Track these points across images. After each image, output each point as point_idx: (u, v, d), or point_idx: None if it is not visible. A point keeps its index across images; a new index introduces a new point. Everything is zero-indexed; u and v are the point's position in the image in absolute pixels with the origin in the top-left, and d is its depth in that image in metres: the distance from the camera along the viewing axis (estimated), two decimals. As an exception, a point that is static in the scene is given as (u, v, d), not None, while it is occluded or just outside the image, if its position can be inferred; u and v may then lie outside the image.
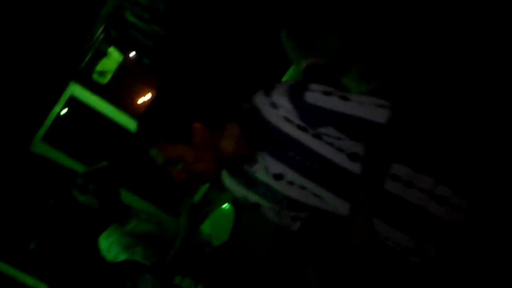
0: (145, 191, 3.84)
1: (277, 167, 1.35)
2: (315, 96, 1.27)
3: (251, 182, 1.41)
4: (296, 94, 1.28)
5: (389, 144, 1.27)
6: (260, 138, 1.33)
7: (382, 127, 1.24)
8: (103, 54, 3.52)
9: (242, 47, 3.46)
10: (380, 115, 1.25)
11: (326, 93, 1.28)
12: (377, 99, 1.28)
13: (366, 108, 1.26)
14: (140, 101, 3.75)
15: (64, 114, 3.67)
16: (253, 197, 1.45)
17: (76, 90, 3.62)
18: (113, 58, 3.55)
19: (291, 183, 1.36)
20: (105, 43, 3.47)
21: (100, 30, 3.40)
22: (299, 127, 1.29)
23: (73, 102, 3.67)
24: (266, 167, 1.36)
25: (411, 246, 1.32)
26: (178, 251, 2.37)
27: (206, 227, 2.98)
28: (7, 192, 3.47)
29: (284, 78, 2.93)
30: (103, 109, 3.69)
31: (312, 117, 1.28)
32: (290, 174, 1.34)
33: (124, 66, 3.60)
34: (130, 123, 3.69)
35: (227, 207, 2.81)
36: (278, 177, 1.36)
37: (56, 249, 2.92)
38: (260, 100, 1.33)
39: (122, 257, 2.47)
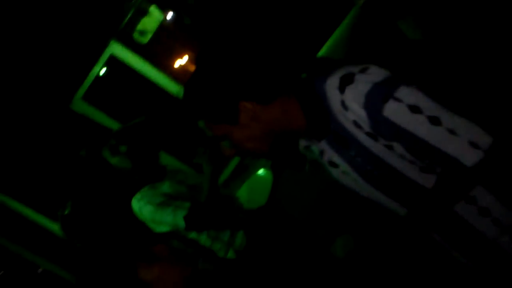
0: (181, 152, 3.83)
1: (334, 157, 1.23)
2: (398, 109, 1.03)
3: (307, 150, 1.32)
4: (374, 104, 1.05)
5: (470, 182, 1.07)
6: (319, 124, 1.19)
7: (466, 170, 1.02)
8: (144, 12, 3.46)
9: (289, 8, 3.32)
10: (470, 157, 1.01)
11: (414, 109, 1.03)
12: (477, 132, 1.03)
13: (458, 143, 1.02)
14: (180, 62, 3.69)
15: (104, 74, 3.66)
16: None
17: (117, 49, 3.59)
18: (153, 17, 3.49)
19: (346, 173, 1.25)
20: (146, 2, 3.40)
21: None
22: (369, 134, 1.11)
23: (113, 62, 3.65)
24: (322, 151, 1.25)
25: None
26: (208, 207, 2.29)
27: (242, 193, 2.95)
28: (47, 148, 3.54)
29: (324, 48, 2.80)
30: (142, 69, 3.66)
31: (387, 133, 1.08)
32: (347, 168, 1.23)
33: (165, 26, 3.53)
34: (169, 84, 3.66)
35: (264, 173, 2.76)
36: (333, 164, 1.26)
37: (90, 211, 2.94)
38: (331, 91, 1.13)
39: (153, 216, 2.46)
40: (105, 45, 3.54)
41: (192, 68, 3.69)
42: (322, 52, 2.81)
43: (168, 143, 3.74)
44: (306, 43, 2.95)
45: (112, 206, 2.78)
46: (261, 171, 2.80)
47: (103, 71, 3.61)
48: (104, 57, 3.59)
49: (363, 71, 1.09)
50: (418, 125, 1.03)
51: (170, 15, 3.47)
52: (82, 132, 3.70)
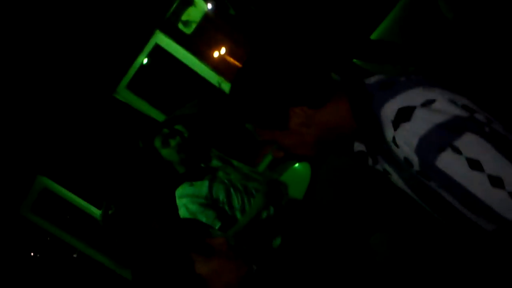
0: (225, 147, 3.82)
1: (387, 167, 1.16)
2: (455, 162, 0.90)
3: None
4: (427, 150, 0.93)
5: None
6: (373, 142, 1.11)
7: None
8: (189, 3, 3.47)
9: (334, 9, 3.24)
10: None
11: (474, 165, 0.89)
12: None
13: None
14: (221, 52, 3.68)
15: (148, 63, 3.71)
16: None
17: (161, 39, 3.62)
18: (198, 7, 3.49)
19: (396, 182, 1.18)
20: (192, -8, 3.42)
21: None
22: (419, 173, 0.99)
23: (157, 52, 3.69)
24: (376, 159, 1.18)
25: None
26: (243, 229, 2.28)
27: (284, 178, 2.90)
28: (90, 135, 3.61)
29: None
30: (186, 60, 3.68)
31: (438, 182, 0.96)
32: (400, 181, 1.15)
33: (209, 17, 3.53)
34: (210, 75, 3.66)
35: (301, 166, 2.69)
36: (385, 172, 1.18)
37: (134, 213, 2.97)
38: (385, 120, 1.02)
39: (190, 216, 2.45)
40: (150, 35, 3.58)
41: (232, 59, 3.68)
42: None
43: (217, 138, 3.74)
44: (353, 36, 2.87)
45: (156, 195, 2.80)
46: (297, 165, 2.74)
47: (146, 61, 3.65)
48: (149, 46, 3.64)
49: (427, 104, 0.95)
50: (476, 184, 0.89)
51: (214, 5, 3.46)
52: (125, 121, 3.76)
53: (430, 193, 1.01)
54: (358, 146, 1.21)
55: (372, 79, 1.13)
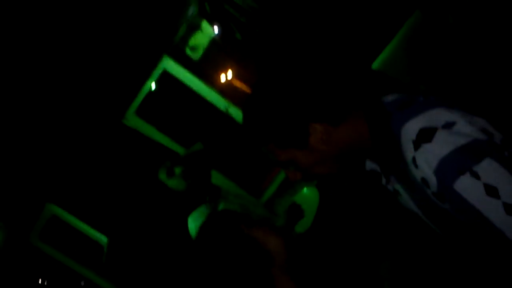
0: (231, 172, 3.77)
1: (399, 188, 1.14)
2: (473, 187, 0.91)
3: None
4: (447, 172, 0.93)
5: None
6: (389, 160, 1.09)
7: None
8: (196, 28, 3.48)
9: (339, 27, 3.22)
10: None
11: (491, 191, 0.89)
12: None
13: None
14: (227, 76, 3.67)
15: (156, 89, 3.71)
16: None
17: (169, 65, 3.62)
18: (205, 32, 3.50)
19: (406, 203, 1.15)
20: (199, 17, 3.42)
21: (195, 3, 3.36)
22: (435, 195, 0.99)
23: (165, 78, 3.69)
24: (388, 179, 1.16)
25: None
26: None
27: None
28: (98, 161, 3.60)
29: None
30: (194, 86, 3.67)
31: (454, 205, 0.96)
32: (410, 202, 1.13)
33: (216, 41, 3.54)
34: (220, 101, 3.64)
35: (310, 191, 2.62)
36: (397, 193, 1.16)
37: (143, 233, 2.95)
38: (405, 140, 1.01)
39: None
40: (158, 60, 3.59)
41: (239, 82, 3.66)
42: (377, 62, 2.68)
43: (224, 165, 3.70)
44: (363, 52, 2.83)
45: (166, 223, 2.76)
46: (306, 190, 2.67)
47: (154, 86, 3.66)
48: (157, 72, 3.64)
49: (448, 126, 0.96)
50: (491, 210, 0.90)
51: (220, 30, 3.47)
52: (134, 146, 3.75)
53: (443, 215, 1.01)
54: (371, 165, 1.19)
55: (390, 97, 1.11)
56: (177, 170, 2.55)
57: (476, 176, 0.90)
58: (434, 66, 2.35)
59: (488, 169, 0.90)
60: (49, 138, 3.55)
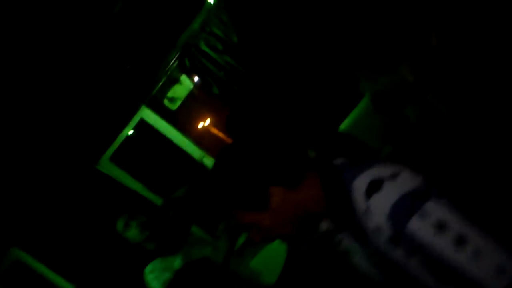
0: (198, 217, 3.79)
1: (348, 246, 1.22)
2: (423, 227, 0.99)
3: None
4: (399, 217, 1.02)
5: None
6: (343, 216, 1.16)
7: None
8: (175, 81, 3.60)
9: (315, 82, 3.39)
10: (495, 284, 0.95)
11: (439, 228, 0.98)
12: (505, 256, 0.97)
13: (484, 268, 0.96)
14: (203, 126, 3.77)
15: (132, 135, 3.77)
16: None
17: (147, 114, 3.71)
18: (184, 85, 3.62)
19: (361, 262, 1.22)
20: (178, 71, 3.55)
21: (175, 57, 3.50)
22: (389, 238, 1.06)
23: (142, 126, 3.76)
24: (341, 238, 1.23)
25: None
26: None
27: (256, 264, 2.86)
28: (69, 207, 3.58)
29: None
30: (170, 135, 3.75)
31: (409, 248, 1.03)
32: (360, 259, 1.21)
33: (194, 94, 3.66)
34: (195, 151, 3.72)
35: (279, 244, 2.67)
36: (345, 253, 1.24)
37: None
38: (357, 192, 1.10)
39: None
40: (136, 110, 3.67)
41: (216, 131, 3.76)
42: (344, 124, 2.81)
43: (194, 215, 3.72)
44: (327, 118, 2.97)
45: (125, 273, 2.75)
46: (276, 242, 2.72)
47: (130, 132, 3.72)
48: (135, 120, 3.72)
49: (393, 177, 1.07)
50: (442, 246, 0.98)
51: (199, 83, 3.59)
52: (106, 192, 3.75)
53: (395, 266, 1.08)
54: (324, 225, 1.24)
55: (340, 160, 1.22)
56: (133, 223, 2.59)
57: (423, 216, 1.00)
58: (400, 130, 2.47)
59: (434, 208, 1.00)
60: (21, 181, 3.53)
